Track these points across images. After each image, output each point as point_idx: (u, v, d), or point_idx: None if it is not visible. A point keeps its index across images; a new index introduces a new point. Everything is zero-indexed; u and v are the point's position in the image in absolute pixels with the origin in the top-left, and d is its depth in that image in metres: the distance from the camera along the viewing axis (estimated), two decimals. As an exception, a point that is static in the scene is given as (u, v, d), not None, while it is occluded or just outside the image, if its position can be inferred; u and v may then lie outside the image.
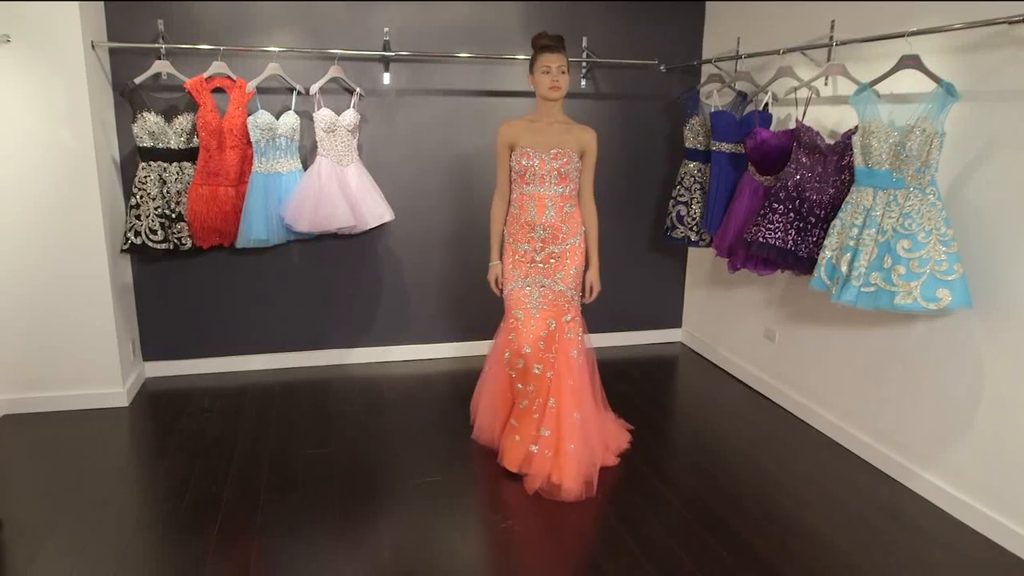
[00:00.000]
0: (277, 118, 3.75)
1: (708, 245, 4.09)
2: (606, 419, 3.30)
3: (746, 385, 4.18)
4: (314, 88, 3.82)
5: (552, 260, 3.01)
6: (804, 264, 3.20)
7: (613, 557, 2.54)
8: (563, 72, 2.88)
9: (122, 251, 3.71)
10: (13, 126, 3.36)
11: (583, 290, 3.10)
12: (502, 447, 3.11)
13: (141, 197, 3.61)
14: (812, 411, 3.63)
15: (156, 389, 4.01)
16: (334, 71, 3.86)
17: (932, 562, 2.54)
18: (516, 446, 3.03)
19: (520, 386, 3.02)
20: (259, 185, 3.75)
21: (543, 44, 2.87)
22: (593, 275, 3.11)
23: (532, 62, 2.93)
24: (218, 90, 3.70)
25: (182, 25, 3.79)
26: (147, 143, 3.60)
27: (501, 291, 3.12)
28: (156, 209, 3.63)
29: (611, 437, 3.28)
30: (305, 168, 3.90)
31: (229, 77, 3.71)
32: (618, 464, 3.19)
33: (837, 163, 3.09)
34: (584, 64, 4.35)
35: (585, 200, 3.08)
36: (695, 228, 4.11)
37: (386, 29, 4.02)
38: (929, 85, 2.69)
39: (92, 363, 3.68)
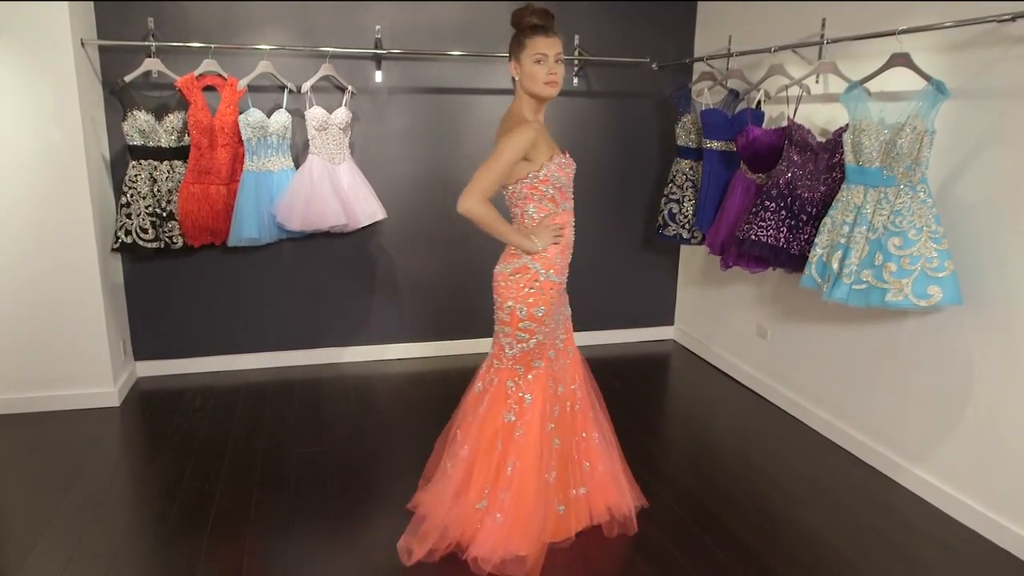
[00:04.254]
0: (268, 116, 3.74)
1: (700, 243, 4.10)
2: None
3: (738, 382, 4.19)
4: (306, 86, 3.81)
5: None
6: (796, 262, 3.21)
7: (607, 554, 2.55)
8: (558, 62, 2.25)
9: (113, 250, 3.69)
10: (1, 125, 3.34)
11: None
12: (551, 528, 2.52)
13: (132, 196, 3.60)
14: (804, 408, 3.65)
15: (147, 388, 3.99)
16: (326, 69, 3.85)
17: (922, 557, 2.56)
18: (562, 515, 2.56)
19: (558, 441, 2.52)
20: (250, 183, 3.74)
21: (533, 24, 2.22)
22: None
23: (517, 47, 2.27)
24: (209, 88, 3.68)
25: (173, 23, 3.77)
26: (137, 141, 3.59)
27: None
28: (147, 208, 3.62)
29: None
30: (297, 166, 3.88)
31: (220, 75, 3.69)
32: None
33: (828, 161, 3.10)
34: (576, 62, 4.35)
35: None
36: (687, 226, 4.12)
37: (378, 27, 4.01)
38: (919, 83, 2.70)
39: (83, 363, 3.66)
